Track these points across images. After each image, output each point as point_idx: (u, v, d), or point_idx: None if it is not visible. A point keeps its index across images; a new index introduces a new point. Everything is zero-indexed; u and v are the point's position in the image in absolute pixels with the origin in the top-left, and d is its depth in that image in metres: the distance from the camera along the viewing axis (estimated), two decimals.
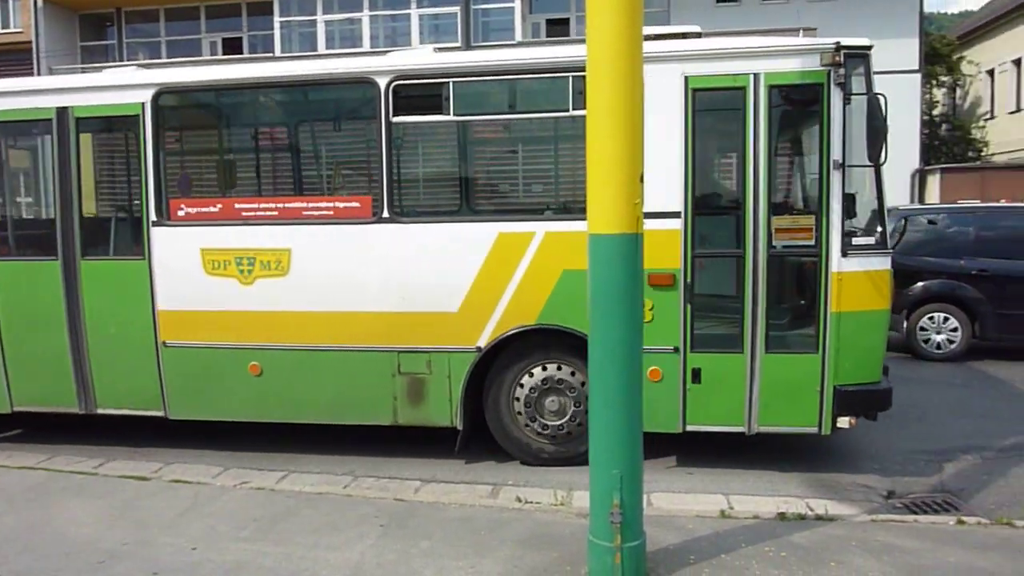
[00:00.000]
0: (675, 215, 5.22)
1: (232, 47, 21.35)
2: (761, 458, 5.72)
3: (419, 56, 5.87)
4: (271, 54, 19.95)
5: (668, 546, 4.06)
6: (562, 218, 5.52)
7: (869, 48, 5.06)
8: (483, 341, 5.49)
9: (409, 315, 5.53)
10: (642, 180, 3.48)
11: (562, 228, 5.36)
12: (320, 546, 4.23)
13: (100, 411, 6.11)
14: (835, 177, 5.04)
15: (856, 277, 5.13)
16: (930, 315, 9.68)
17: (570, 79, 5.28)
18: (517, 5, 19.25)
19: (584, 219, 4.16)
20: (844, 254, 5.09)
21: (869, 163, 5.05)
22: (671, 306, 5.25)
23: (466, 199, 5.92)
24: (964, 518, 4.50)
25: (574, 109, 5.28)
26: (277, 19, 20.18)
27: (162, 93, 5.80)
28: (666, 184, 5.16)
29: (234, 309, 5.75)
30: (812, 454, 5.83)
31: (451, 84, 5.41)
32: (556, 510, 4.71)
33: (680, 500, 4.94)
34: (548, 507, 4.77)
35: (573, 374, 5.57)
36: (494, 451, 5.84)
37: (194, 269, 5.75)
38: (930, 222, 10.11)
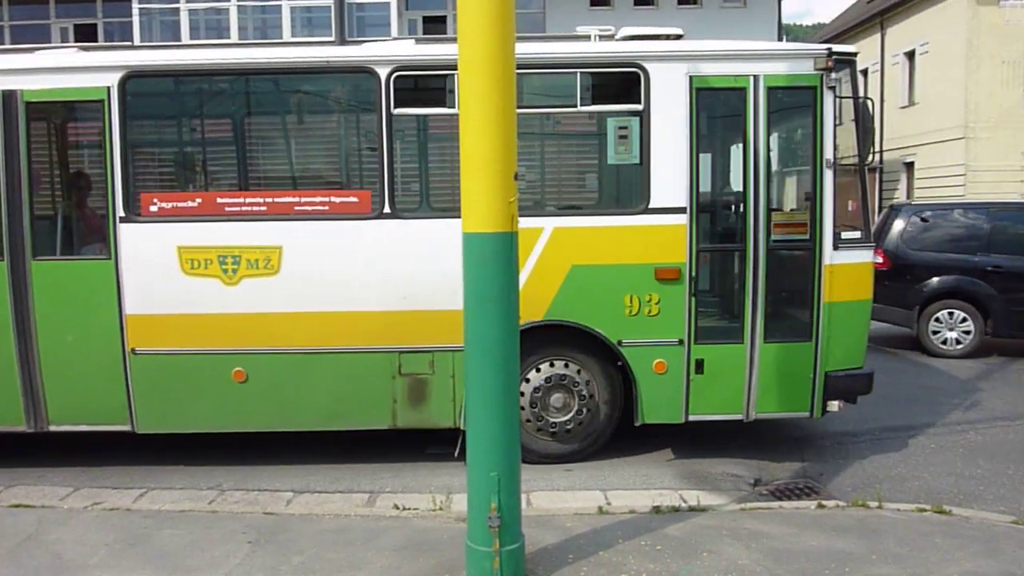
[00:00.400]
0: (681, 211, 5.30)
1: (85, 35, 19.82)
2: (638, 449, 5.86)
3: (420, 47, 5.57)
4: (129, 43, 18.68)
5: (547, 546, 4.05)
6: (571, 213, 5.62)
7: (855, 55, 5.40)
8: None
9: (411, 314, 5.32)
10: (516, 178, 3.43)
11: (571, 224, 5.40)
12: (181, 569, 3.94)
13: (53, 428, 5.46)
14: (827, 175, 5.30)
15: (845, 269, 5.39)
16: (943, 312, 9.49)
17: (578, 75, 5.32)
18: (393, 1, 18.94)
19: (593, 215, 4.87)
20: (835, 247, 5.34)
21: (858, 162, 5.42)
22: (676, 299, 5.33)
23: None
24: (824, 502, 4.74)
25: (581, 105, 5.35)
26: (136, 5, 18.91)
27: (131, 77, 5.25)
28: (672, 180, 5.27)
29: (216, 312, 5.29)
30: (687, 444, 6.01)
31: (455, 76, 5.26)
32: (435, 515, 4.61)
33: (559, 498, 4.96)
34: (427, 513, 4.66)
35: (579, 371, 5.54)
36: (383, 453, 5.69)
37: (169, 269, 5.24)
38: (922, 219, 9.84)
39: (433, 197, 5.92)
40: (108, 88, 5.20)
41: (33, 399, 5.39)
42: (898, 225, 9.84)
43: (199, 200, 5.43)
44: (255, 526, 4.45)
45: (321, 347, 5.35)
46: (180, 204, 5.37)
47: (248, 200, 5.37)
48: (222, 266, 5.25)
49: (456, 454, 5.35)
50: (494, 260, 3.41)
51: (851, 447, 6.08)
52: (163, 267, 5.25)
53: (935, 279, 9.51)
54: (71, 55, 5.81)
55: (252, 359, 5.35)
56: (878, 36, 25.37)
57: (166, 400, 5.42)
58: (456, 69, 4.77)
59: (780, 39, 23.09)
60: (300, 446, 5.89)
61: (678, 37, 5.68)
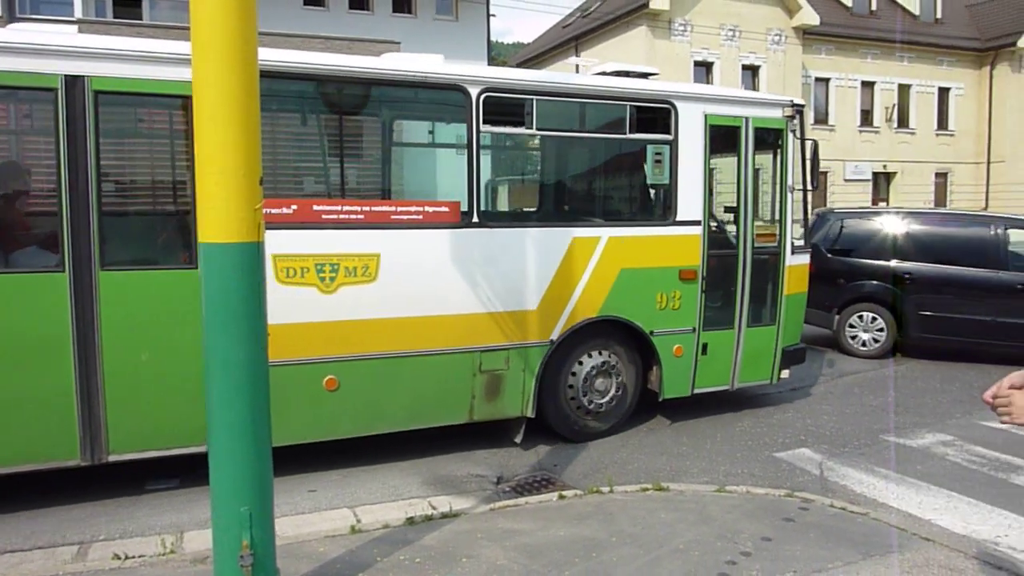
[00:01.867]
0: (697, 223, 6.41)
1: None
2: (381, 457, 5.77)
3: (507, 70, 6.28)
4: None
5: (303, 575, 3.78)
6: (621, 224, 6.39)
7: (803, 105, 6.97)
8: (556, 334, 5.99)
9: (492, 315, 5.71)
10: (261, 183, 3.15)
11: (621, 233, 6.21)
12: None
13: (112, 459, 4.79)
14: (789, 196, 6.84)
15: (796, 269, 7.02)
16: (859, 314, 9.90)
17: (627, 107, 6.17)
18: None
19: (641, 225, 6.42)
20: (792, 252, 6.88)
21: (809, 188, 7.07)
22: (692, 295, 6.43)
23: (546, 206, 6.98)
24: (564, 492, 5.04)
25: (630, 132, 6.20)
26: None
27: None
28: (692, 198, 6.37)
29: (311, 320, 5.12)
30: (427, 447, 6.03)
31: (534, 100, 5.79)
32: (166, 560, 4.07)
33: (307, 522, 4.68)
34: (155, 559, 4.10)
35: (617, 359, 6.32)
36: (92, 493, 4.89)
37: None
38: (843, 226, 10.25)
39: (514, 207, 7.00)
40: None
41: (92, 428, 4.72)
42: (821, 230, 10.33)
43: (295, 207, 5.11)
44: None
45: (411, 350, 5.49)
46: (275, 211, 4.95)
47: (346, 208, 5.27)
48: (319, 274, 5.14)
49: (519, 440, 6.10)
50: (240, 271, 3.08)
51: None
52: None
53: (853, 284, 9.95)
54: (153, 42, 4.88)
55: (345, 366, 5.29)
56: (574, 58, 27.85)
57: None
58: (532, 94, 5.86)
59: (489, 55, 24.40)
60: None
61: (655, 75, 6.81)
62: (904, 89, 28.53)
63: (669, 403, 6.84)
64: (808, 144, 7.01)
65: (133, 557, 4.12)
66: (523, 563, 3.95)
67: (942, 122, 29.53)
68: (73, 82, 4.53)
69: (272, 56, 4.88)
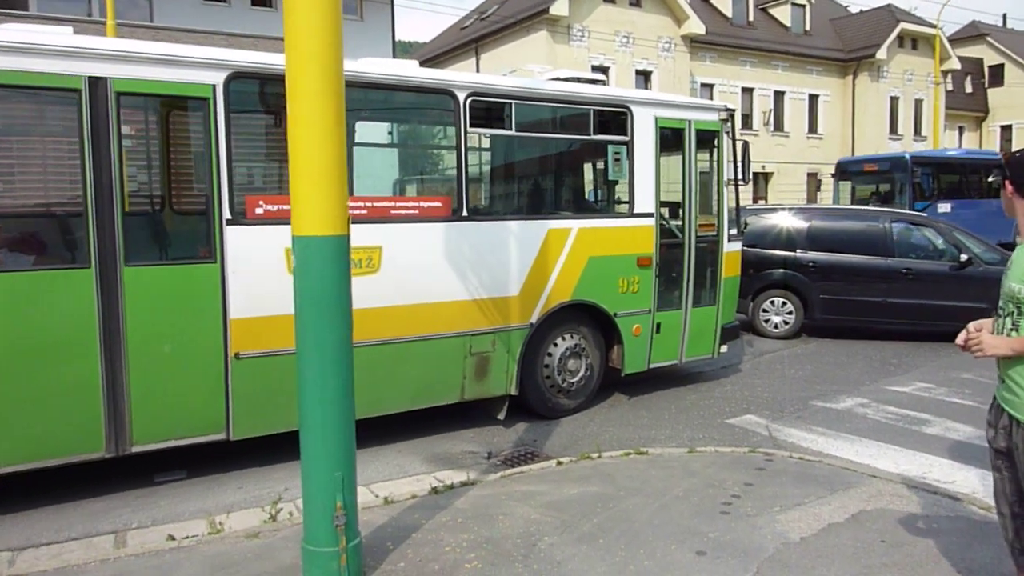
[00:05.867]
0: (651, 215, 7.12)
1: None
2: (374, 441, 6.14)
3: (491, 77, 6.77)
4: None
5: (361, 539, 4.15)
6: (588, 217, 7.11)
7: (734, 111, 7.93)
8: (535, 318, 6.55)
9: (480, 301, 6.19)
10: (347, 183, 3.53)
11: (589, 225, 6.85)
12: None
13: (136, 450, 4.95)
14: (725, 190, 7.72)
15: (732, 255, 7.90)
16: (771, 299, 10.94)
17: (591, 111, 6.78)
18: None
19: (605, 217, 7.25)
20: (729, 240, 7.71)
21: (741, 181, 7.89)
22: (648, 280, 7.12)
23: (524, 200, 7.69)
24: (561, 459, 5.59)
25: (594, 134, 6.84)
26: None
27: (236, 77, 5.11)
28: (646, 192, 7.08)
29: None
30: (419, 430, 6.45)
31: (512, 104, 6.29)
32: (221, 538, 4.32)
33: None
34: (208, 537, 4.34)
35: (585, 339, 6.93)
36: (104, 487, 5.02)
37: (277, 271, 5.14)
38: (757, 219, 11.31)
39: (498, 202, 7.53)
40: (213, 86, 5.00)
41: (117, 420, 4.86)
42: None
43: None
44: None
45: (410, 336, 5.89)
46: (286, 207, 4.94)
47: (351, 204, 5.40)
48: None
49: (502, 417, 6.66)
50: (331, 262, 3.46)
51: (550, 421, 7.12)
52: (271, 269, 5.19)
53: (765, 272, 10.96)
54: (172, 46, 5.03)
55: (354, 352, 4.98)
56: (473, 60, 28.46)
57: (267, 402, 5.34)
58: (511, 99, 6.36)
59: (394, 54, 24.58)
60: None
61: (603, 82, 7.60)
62: (779, 95, 30.90)
63: (624, 381, 7.56)
64: (739, 144, 7.87)
65: (186, 537, 4.35)
66: (553, 515, 4.48)
67: (812, 126, 32.19)
68: (96, 83, 4.68)
69: (266, 60, 5.25)
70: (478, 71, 28.08)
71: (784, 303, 10.93)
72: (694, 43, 27.85)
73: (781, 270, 10.93)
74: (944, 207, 18.09)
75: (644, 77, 26.91)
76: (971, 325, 3.02)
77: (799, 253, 10.88)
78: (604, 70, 25.81)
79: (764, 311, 11.04)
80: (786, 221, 11.20)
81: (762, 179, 30.77)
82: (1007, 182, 2.92)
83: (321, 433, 3.54)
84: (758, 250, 11.04)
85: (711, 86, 28.99)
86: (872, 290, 10.53)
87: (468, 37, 29.06)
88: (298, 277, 3.49)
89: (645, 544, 4.08)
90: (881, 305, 10.48)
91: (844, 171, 20.36)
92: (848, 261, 10.71)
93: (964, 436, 6.29)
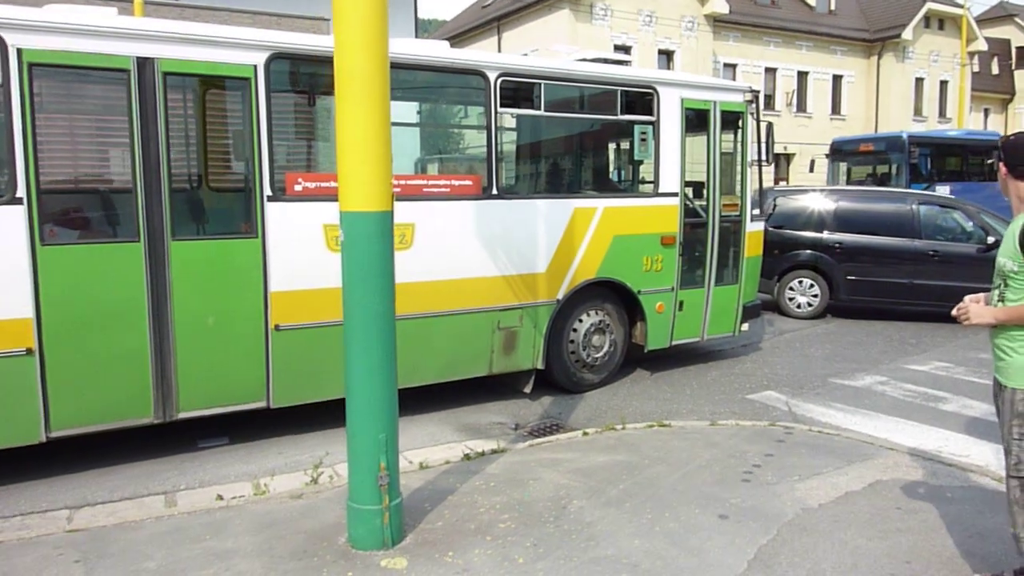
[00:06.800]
0: (675, 195, 7.24)
1: None
2: (410, 412, 6.36)
3: (520, 58, 6.93)
4: None
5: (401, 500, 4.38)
6: (613, 196, 7.30)
7: (759, 92, 8.01)
8: (561, 294, 6.73)
9: (508, 277, 6.38)
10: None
11: (615, 204, 7.02)
12: None
13: (182, 416, 5.22)
14: (749, 171, 7.83)
15: (754, 235, 8.07)
16: (797, 280, 11.05)
17: (618, 92, 6.89)
18: None
19: (630, 196, 7.35)
20: (752, 220, 7.86)
21: (765, 162, 8.02)
22: (671, 258, 7.27)
23: (552, 179, 7.85)
24: (587, 430, 5.80)
25: (620, 114, 6.95)
26: None
27: (277, 57, 5.29)
28: (672, 172, 7.20)
29: None
30: (447, 402, 6.68)
31: (542, 84, 6.42)
32: (266, 499, 4.57)
33: None
34: (255, 498, 4.59)
35: (609, 316, 7.11)
36: (153, 450, 5.29)
37: (314, 246, 5.45)
38: (784, 201, 11.38)
39: (525, 180, 7.61)
40: (255, 67, 5.18)
41: (164, 387, 5.12)
42: (766, 207, 11.30)
43: None
44: (70, 544, 3.98)
45: (441, 311, 6.10)
46: (324, 184, 5.49)
47: None
48: None
49: (528, 390, 6.87)
50: (377, 236, 3.66)
51: (573, 395, 7.32)
52: (309, 244, 5.44)
53: (791, 253, 11.09)
54: (217, 27, 5.37)
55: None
56: (495, 39, 28.46)
57: (304, 372, 5.58)
58: (540, 79, 6.48)
59: (416, 33, 24.63)
60: (34, 459, 5.21)
61: (629, 62, 7.79)
62: (803, 76, 30.64)
63: (646, 358, 7.74)
64: (763, 125, 7.97)
65: (234, 498, 4.61)
66: (582, 481, 4.69)
67: (835, 107, 31.92)
68: (144, 63, 4.89)
69: (324, 42, 5.39)
70: (499, 50, 28.09)
71: (811, 284, 11.02)
72: (717, 22, 27.66)
73: (807, 251, 11.04)
74: (943, 190, 17.75)
75: (667, 57, 26.80)
76: (967, 297, 3.24)
77: (825, 234, 10.97)
78: (627, 49, 25.72)
79: (790, 291, 11.14)
80: (813, 202, 11.29)
81: (783, 160, 30.62)
82: (1002, 164, 3.10)
83: (366, 398, 3.76)
84: (784, 231, 11.15)
85: (734, 66, 28.82)
86: (898, 271, 10.60)
87: (490, 16, 29.03)
88: (346, 251, 3.69)
89: (670, 508, 4.29)
90: (907, 286, 10.55)
91: (838, 151, 19.50)
92: (875, 242, 10.79)
93: (980, 413, 6.42)
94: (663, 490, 4.55)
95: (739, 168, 7.92)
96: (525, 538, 3.92)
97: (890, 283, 10.65)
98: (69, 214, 5.12)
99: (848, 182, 19.08)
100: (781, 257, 11.06)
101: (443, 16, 64.45)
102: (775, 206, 11.42)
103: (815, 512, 4.24)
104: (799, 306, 11.09)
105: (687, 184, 7.50)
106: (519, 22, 27.18)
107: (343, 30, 3.53)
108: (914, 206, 10.82)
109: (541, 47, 25.48)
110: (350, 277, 3.70)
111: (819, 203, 11.24)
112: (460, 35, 30.62)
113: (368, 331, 3.71)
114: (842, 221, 10.99)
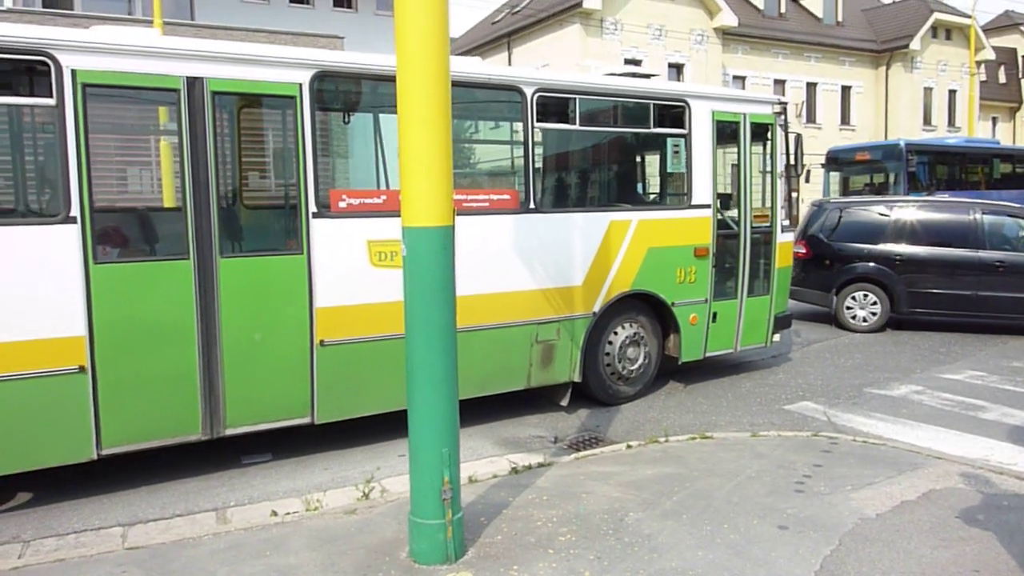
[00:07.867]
0: (708, 207, 7.30)
1: None
2: None
3: (556, 73, 7.13)
4: None
5: (463, 514, 4.38)
6: (648, 209, 7.41)
7: (787, 104, 8.06)
8: (597, 306, 6.75)
9: (546, 291, 6.42)
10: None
11: (648, 217, 7.07)
12: None
13: (228, 432, 5.22)
14: (779, 182, 7.94)
15: (785, 246, 8.11)
16: (856, 293, 10.90)
17: (651, 105, 6.99)
18: None
19: (664, 209, 7.38)
20: (782, 231, 7.92)
21: (795, 173, 8.15)
22: (705, 270, 7.31)
23: (588, 193, 7.84)
24: (631, 443, 5.79)
25: (653, 127, 7.06)
26: None
27: (322, 76, 5.36)
28: (704, 184, 7.26)
29: (401, 299, 4.94)
30: (484, 416, 6.69)
31: (576, 99, 6.53)
32: (320, 514, 4.58)
33: None
34: (308, 514, 4.60)
35: (643, 328, 7.14)
36: (197, 469, 5.30)
37: (359, 262, 5.51)
38: (840, 214, 11.31)
39: (563, 195, 7.56)
40: (300, 85, 5.24)
41: (212, 404, 5.14)
42: (819, 219, 11.40)
43: (384, 197, 5.72)
44: (132, 561, 3.99)
45: (481, 324, 6.10)
46: (367, 200, 5.62)
47: None
48: None
49: (565, 403, 6.87)
50: (439, 250, 3.69)
51: (607, 409, 7.32)
52: (352, 260, 5.49)
53: (850, 266, 10.95)
54: (264, 47, 5.34)
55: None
56: (506, 54, 28.64)
57: (348, 388, 5.61)
58: (575, 94, 6.56)
59: None
60: (80, 478, 5.24)
61: (657, 76, 7.80)
62: (811, 87, 30.73)
63: (678, 370, 7.73)
64: (792, 137, 8.00)
65: (287, 514, 4.62)
66: (635, 494, 4.69)
67: (845, 118, 31.96)
68: (193, 83, 4.95)
69: (366, 60, 5.45)
70: (510, 65, 28.26)
71: (871, 297, 10.86)
72: (726, 35, 27.80)
73: (867, 263, 10.90)
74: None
75: (676, 70, 26.93)
76: None
77: (884, 246, 10.84)
78: (637, 63, 25.83)
79: (849, 304, 10.98)
80: (871, 213, 11.15)
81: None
82: None
83: (430, 412, 3.77)
84: (842, 243, 11.06)
85: (743, 78, 28.92)
86: (961, 283, 10.41)
87: (500, 32, 29.23)
88: (408, 265, 3.72)
89: (727, 519, 4.28)
90: (971, 299, 10.36)
91: (835, 160, 18.99)
92: (936, 254, 10.59)
93: (1021, 421, 6.40)
94: (717, 502, 4.55)
95: (769, 179, 7.95)
96: (588, 551, 3.92)
97: (953, 295, 10.44)
98: (120, 232, 5.18)
99: (845, 192, 18.71)
100: (840, 270, 10.98)
101: (452, 33, 64.90)
102: (840, 218, 11.29)
103: (874, 522, 4.23)
104: (858, 319, 10.91)
105: (718, 196, 7.55)
106: (529, 38, 27.36)
107: (406, 50, 3.58)
108: (978, 216, 10.58)
109: (552, 63, 25.65)
110: (412, 291, 3.73)
111: (880, 214, 11.07)
112: (469, 52, 30.78)
113: (431, 345, 3.74)
114: (902, 232, 10.82)
